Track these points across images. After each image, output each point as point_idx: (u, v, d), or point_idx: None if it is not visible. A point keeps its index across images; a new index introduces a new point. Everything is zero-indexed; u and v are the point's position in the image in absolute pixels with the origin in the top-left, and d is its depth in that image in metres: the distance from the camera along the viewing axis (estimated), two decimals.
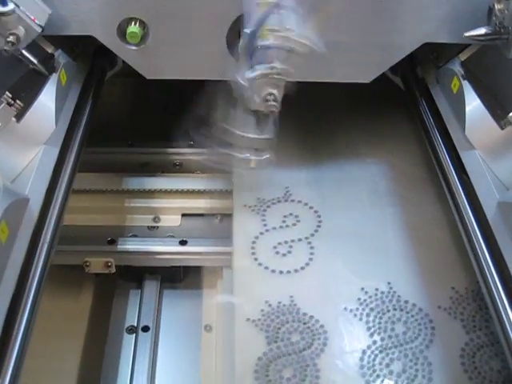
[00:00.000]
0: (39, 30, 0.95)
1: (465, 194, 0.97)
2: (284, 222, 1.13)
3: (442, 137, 1.07)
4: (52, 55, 1.06)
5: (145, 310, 1.15)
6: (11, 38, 0.89)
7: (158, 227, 1.25)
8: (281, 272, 1.05)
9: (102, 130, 1.20)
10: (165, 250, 1.18)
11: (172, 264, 1.19)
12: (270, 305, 1.00)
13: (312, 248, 1.09)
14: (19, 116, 0.95)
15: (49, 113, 0.99)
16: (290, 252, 1.08)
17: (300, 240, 1.10)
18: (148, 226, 1.25)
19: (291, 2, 0.91)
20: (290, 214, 1.15)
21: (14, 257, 0.79)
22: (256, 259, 1.07)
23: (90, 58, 1.19)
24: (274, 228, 1.12)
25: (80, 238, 1.17)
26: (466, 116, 1.04)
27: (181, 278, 1.21)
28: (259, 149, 1.01)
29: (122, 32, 1.04)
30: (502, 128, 0.98)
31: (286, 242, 1.10)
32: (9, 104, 0.91)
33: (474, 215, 0.93)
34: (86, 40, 1.14)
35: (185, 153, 1.35)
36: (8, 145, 0.92)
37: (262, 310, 0.99)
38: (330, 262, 1.07)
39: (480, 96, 1.04)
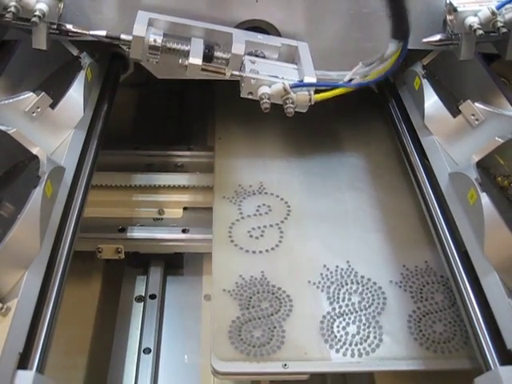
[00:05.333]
0: None
1: (424, 171, 1.14)
2: (258, 210, 1.24)
3: (406, 126, 1.24)
4: (78, 57, 1.24)
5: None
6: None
7: (162, 219, 1.38)
8: (253, 252, 1.15)
9: (111, 135, 1.31)
10: (169, 237, 1.32)
11: (175, 250, 1.33)
12: (243, 278, 1.09)
13: (282, 232, 1.20)
14: (54, 104, 1.12)
15: (78, 103, 1.16)
16: (262, 236, 1.19)
17: (271, 226, 1.21)
18: (153, 218, 1.38)
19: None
20: (263, 205, 1.26)
21: (55, 210, 0.97)
22: (232, 241, 1.17)
23: (106, 62, 1.35)
24: (249, 216, 1.23)
25: (93, 228, 1.30)
26: (425, 108, 1.21)
27: (183, 264, 1.36)
28: None
29: None
30: (454, 117, 1.16)
31: (258, 228, 1.20)
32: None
33: (430, 186, 1.11)
34: (104, 46, 1.31)
35: (185, 155, 1.49)
36: (45, 127, 1.10)
37: (237, 283, 1.08)
38: (296, 243, 1.18)
39: (437, 92, 1.21)
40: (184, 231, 1.33)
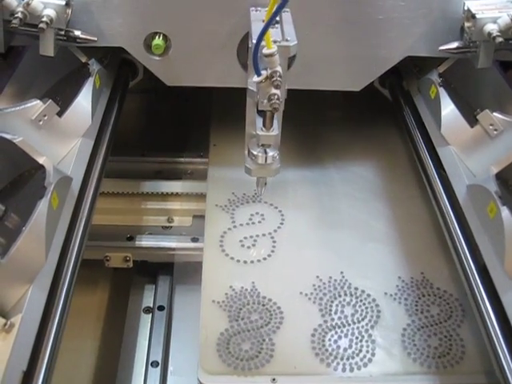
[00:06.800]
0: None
1: (440, 182, 1.11)
2: (250, 219, 1.23)
3: (422, 136, 1.21)
4: (86, 63, 1.21)
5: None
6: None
7: (171, 227, 1.37)
8: (245, 262, 1.13)
9: (120, 141, 1.30)
10: (178, 245, 1.31)
11: (185, 260, 1.31)
12: (233, 289, 1.08)
13: (274, 242, 1.18)
14: (61, 112, 1.10)
15: (86, 110, 1.14)
16: (254, 245, 1.17)
17: (264, 235, 1.19)
18: (162, 226, 1.37)
19: (289, 19, 1.05)
20: (257, 213, 1.24)
21: (62, 222, 0.95)
22: (223, 250, 1.16)
23: (115, 68, 1.33)
24: (241, 224, 1.21)
25: (101, 236, 1.29)
26: (442, 118, 1.18)
27: (192, 274, 1.29)
28: (268, 145, 1.08)
29: (147, 44, 1.17)
30: (472, 127, 1.14)
31: (251, 237, 1.18)
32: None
33: (447, 198, 1.07)
34: (113, 53, 1.30)
35: (195, 162, 1.49)
36: (52, 136, 1.08)
37: (226, 294, 1.07)
38: (289, 254, 1.16)
39: (453, 100, 1.18)
40: (193, 240, 1.31)
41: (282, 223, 1.23)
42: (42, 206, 0.89)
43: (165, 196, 1.40)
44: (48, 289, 0.86)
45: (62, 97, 1.13)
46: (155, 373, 1.15)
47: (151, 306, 1.28)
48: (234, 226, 1.22)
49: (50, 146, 1.06)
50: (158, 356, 1.17)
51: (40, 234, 0.87)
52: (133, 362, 1.19)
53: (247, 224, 1.22)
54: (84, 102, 1.15)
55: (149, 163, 1.49)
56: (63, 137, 1.10)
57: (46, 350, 0.81)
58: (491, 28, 1.08)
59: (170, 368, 1.14)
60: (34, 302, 0.83)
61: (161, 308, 1.27)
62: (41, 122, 1.06)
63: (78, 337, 1.24)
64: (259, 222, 1.23)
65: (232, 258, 1.15)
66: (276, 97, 1.00)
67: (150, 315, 1.27)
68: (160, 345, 1.20)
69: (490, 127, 1.10)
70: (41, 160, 0.96)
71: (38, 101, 1.07)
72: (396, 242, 1.19)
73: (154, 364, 1.16)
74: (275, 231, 1.20)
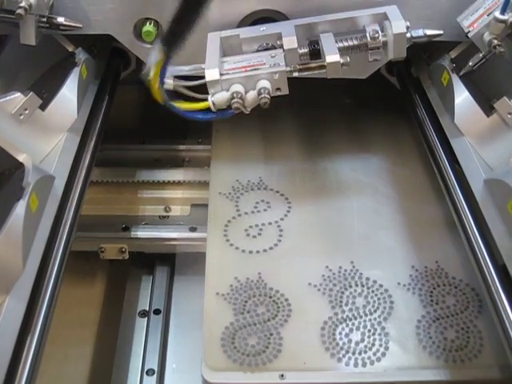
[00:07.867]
0: None
1: (454, 177, 1.04)
2: (256, 207, 1.19)
3: (434, 126, 1.14)
4: (73, 53, 1.14)
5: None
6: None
7: (168, 216, 1.33)
8: (250, 252, 1.10)
9: (116, 128, 1.28)
10: (176, 236, 1.27)
11: (183, 250, 1.27)
12: (238, 280, 1.04)
13: (281, 231, 1.14)
14: (44, 105, 1.03)
15: (71, 103, 1.07)
16: (260, 234, 1.14)
17: (270, 223, 1.16)
18: (159, 216, 1.33)
19: None
20: (262, 201, 1.21)
21: (42, 226, 0.88)
22: (228, 240, 1.12)
23: (105, 58, 1.27)
24: (246, 213, 1.18)
25: (96, 226, 1.25)
26: (455, 106, 1.11)
27: (191, 265, 1.26)
28: None
29: (137, 31, 1.11)
30: (488, 116, 1.07)
31: (256, 226, 1.15)
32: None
33: (462, 193, 1.01)
34: (103, 41, 1.23)
35: (194, 149, 1.44)
36: (35, 131, 1.01)
37: (231, 286, 1.03)
38: (297, 243, 1.12)
39: (468, 88, 1.11)
40: (192, 229, 1.27)
41: (288, 211, 1.18)
42: (19, 209, 0.81)
43: (162, 184, 1.36)
44: (27, 300, 0.79)
45: (47, 89, 1.06)
46: (151, 382, 1.08)
47: (148, 300, 1.22)
48: (239, 215, 1.18)
49: (32, 143, 0.99)
50: (153, 364, 1.10)
51: (16, 240, 0.80)
52: (127, 369, 1.12)
53: (252, 212, 1.18)
54: (69, 94, 1.08)
55: (146, 151, 1.45)
56: (46, 132, 1.03)
57: (25, 368, 0.74)
58: (489, 38, 1.02)
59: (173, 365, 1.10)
60: (10, 315, 0.76)
61: (157, 311, 1.20)
62: (21, 117, 0.99)
63: (67, 340, 1.17)
64: (265, 210, 1.19)
65: (237, 248, 1.11)
66: (267, 91, 0.94)
67: (146, 319, 1.20)
68: (156, 351, 1.13)
69: (509, 116, 1.03)
70: (20, 158, 0.90)
71: (19, 93, 1.00)
72: (408, 229, 1.15)
73: (150, 372, 1.10)
74: (282, 219, 1.16)
